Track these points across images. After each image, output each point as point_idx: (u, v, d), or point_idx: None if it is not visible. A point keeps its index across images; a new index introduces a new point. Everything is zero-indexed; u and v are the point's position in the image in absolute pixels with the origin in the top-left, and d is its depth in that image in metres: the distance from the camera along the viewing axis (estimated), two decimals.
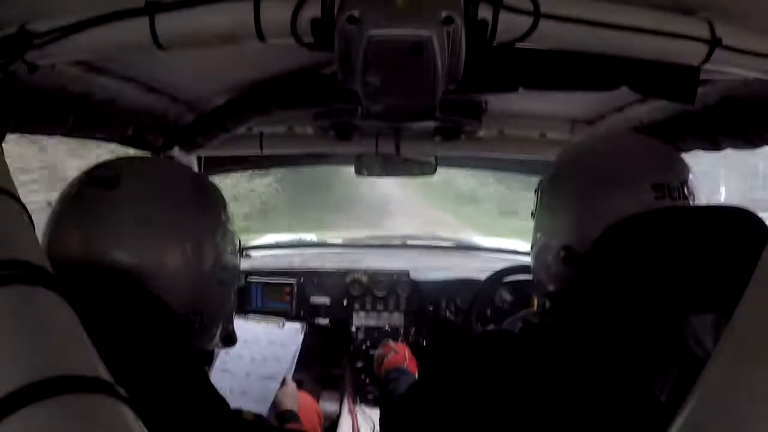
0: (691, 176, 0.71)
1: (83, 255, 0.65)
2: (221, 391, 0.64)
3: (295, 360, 1.42)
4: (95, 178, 0.70)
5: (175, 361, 0.60)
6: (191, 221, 0.72)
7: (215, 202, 0.78)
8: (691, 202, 0.70)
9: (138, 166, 0.75)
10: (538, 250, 0.84)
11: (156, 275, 0.66)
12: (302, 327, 1.52)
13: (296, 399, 1.28)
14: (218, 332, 0.81)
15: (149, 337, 0.60)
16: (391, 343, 1.37)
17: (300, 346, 1.45)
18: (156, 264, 0.67)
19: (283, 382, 1.31)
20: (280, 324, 1.53)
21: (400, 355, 1.31)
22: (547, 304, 0.91)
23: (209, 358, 0.75)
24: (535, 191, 0.87)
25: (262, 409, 1.22)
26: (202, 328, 0.74)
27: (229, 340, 0.85)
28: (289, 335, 1.49)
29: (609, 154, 0.76)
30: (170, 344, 0.62)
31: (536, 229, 0.85)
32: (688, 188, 0.70)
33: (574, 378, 0.62)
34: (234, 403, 0.65)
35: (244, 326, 1.49)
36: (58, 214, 0.69)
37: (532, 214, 0.88)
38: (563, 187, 0.78)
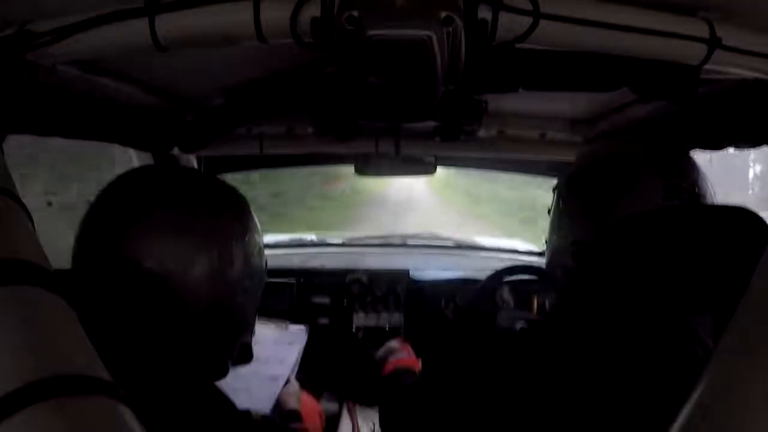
0: (701, 177, 0.74)
1: (112, 261, 0.65)
2: (225, 390, 0.64)
3: (299, 361, 1.42)
4: (123, 185, 0.72)
5: (183, 363, 0.60)
6: (223, 226, 0.72)
7: (245, 210, 0.78)
8: (698, 199, 0.72)
9: (163, 174, 0.76)
10: (552, 247, 0.87)
11: (181, 282, 0.67)
12: (306, 329, 1.52)
13: (300, 399, 1.28)
14: (237, 344, 0.80)
15: (159, 339, 0.60)
16: (393, 343, 1.37)
17: (304, 347, 1.44)
18: (182, 270, 0.67)
19: (287, 382, 1.31)
20: (285, 325, 1.53)
21: (405, 357, 1.30)
22: (548, 304, 0.91)
23: (225, 370, 0.74)
24: (553, 189, 0.90)
25: (266, 408, 1.22)
26: (222, 336, 0.73)
27: (245, 356, 0.84)
28: (294, 336, 1.49)
29: (624, 156, 0.79)
30: (179, 346, 0.61)
31: (551, 227, 0.88)
32: (698, 189, 0.73)
33: (578, 374, 0.62)
34: (237, 401, 0.65)
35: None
36: (88, 221, 0.70)
37: (548, 211, 0.91)
38: (579, 187, 0.81)
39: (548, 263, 0.91)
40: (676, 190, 0.71)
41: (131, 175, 0.74)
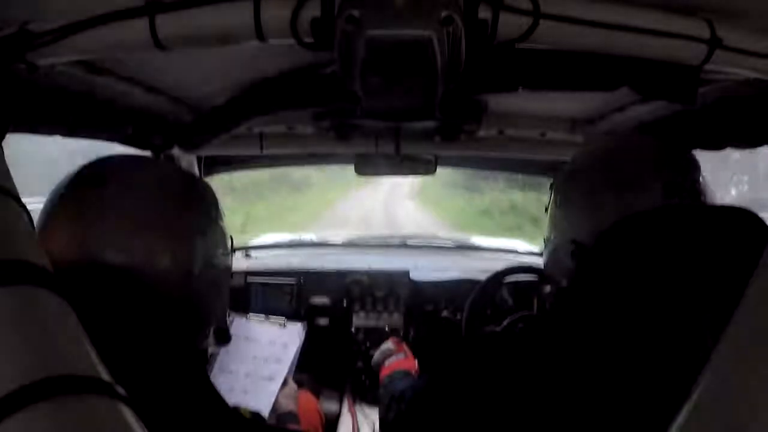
0: (701, 176, 0.74)
1: (74, 254, 0.65)
2: (222, 391, 0.63)
3: (296, 360, 1.42)
4: (83, 177, 0.70)
5: (172, 360, 0.60)
6: (180, 219, 0.71)
7: (206, 201, 0.77)
8: (701, 202, 0.72)
9: (125, 164, 0.75)
10: (551, 246, 0.87)
11: (145, 274, 0.66)
12: (303, 327, 1.52)
13: (297, 400, 1.28)
14: (211, 331, 0.80)
15: (146, 337, 0.60)
16: (391, 344, 1.37)
17: (300, 347, 1.45)
18: (145, 262, 0.67)
19: (284, 383, 1.31)
20: (281, 323, 1.53)
21: (401, 359, 1.30)
22: (547, 303, 0.91)
23: (204, 357, 0.74)
24: (550, 187, 0.90)
25: (263, 409, 1.22)
26: (193, 327, 0.73)
27: (223, 337, 0.84)
28: (290, 335, 1.49)
29: (623, 154, 0.79)
30: (167, 343, 0.61)
31: (549, 225, 0.88)
32: (698, 188, 0.73)
33: (577, 374, 0.62)
34: (234, 402, 0.65)
35: (245, 326, 1.50)
36: (48, 214, 0.68)
37: (546, 210, 0.91)
38: (578, 185, 0.81)
39: (547, 262, 0.91)
40: (676, 188, 0.72)
41: (94, 165, 0.72)
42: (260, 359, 1.40)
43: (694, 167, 0.75)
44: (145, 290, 0.65)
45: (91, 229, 0.66)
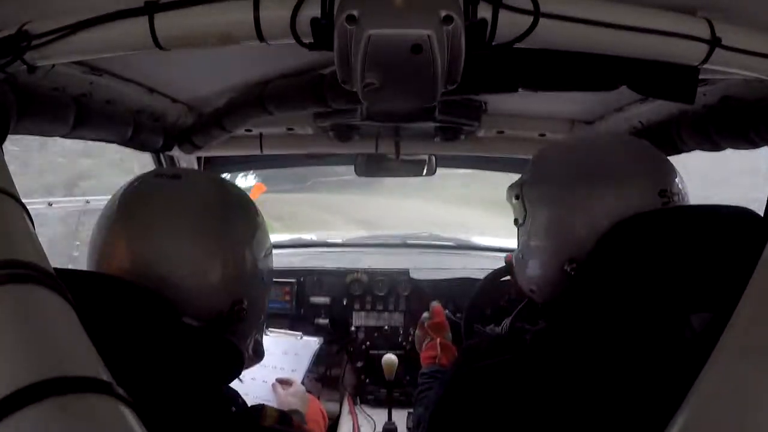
0: (680, 178, 0.74)
1: (128, 265, 0.66)
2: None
3: (309, 369, 1.47)
4: (160, 174, 0.73)
5: (180, 362, 0.60)
6: (238, 219, 0.74)
7: (251, 205, 0.78)
8: (682, 201, 0.72)
9: (196, 171, 0.78)
10: (531, 261, 0.81)
11: (200, 271, 0.67)
12: (318, 341, 1.57)
13: (306, 400, 1.28)
14: (252, 338, 0.80)
15: (159, 341, 0.60)
16: (426, 315, 1.30)
17: (314, 357, 1.50)
18: (202, 259, 0.68)
19: (290, 384, 1.32)
20: (299, 337, 1.59)
21: (429, 347, 1.26)
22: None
23: (241, 360, 0.74)
24: (516, 197, 0.84)
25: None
26: (244, 322, 0.73)
27: (258, 352, 0.84)
28: (304, 347, 1.54)
29: (612, 160, 0.75)
30: (178, 346, 0.61)
31: (527, 239, 0.82)
32: (683, 190, 0.73)
33: (581, 382, 0.62)
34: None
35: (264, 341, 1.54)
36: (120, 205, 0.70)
37: (515, 221, 0.85)
38: (554, 193, 0.76)
39: (522, 275, 0.84)
40: (669, 196, 0.71)
41: (143, 180, 0.74)
42: (276, 369, 1.44)
43: (673, 170, 0.75)
44: (195, 283, 0.66)
45: (146, 242, 0.67)
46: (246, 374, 1.34)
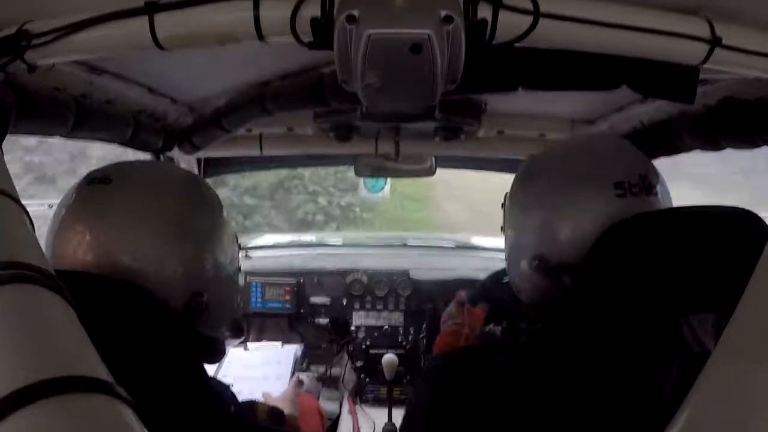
0: (649, 171, 0.73)
1: (84, 257, 0.66)
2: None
3: (292, 373, 1.53)
4: (91, 179, 0.72)
5: (172, 361, 0.60)
6: (185, 211, 0.73)
7: (209, 198, 0.79)
8: (652, 195, 0.72)
9: (129, 166, 0.77)
10: (511, 264, 0.85)
11: (153, 266, 0.67)
12: (300, 348, 1.63)
13: (295, 403, 1.27)
14: (225, 321, 0.81)
15: (147, 338, 0.60)
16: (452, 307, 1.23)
17: (297, 362, 1.56)
18: (153, 255, 0.68)
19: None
20: (279, 345, 1.64)
21: (448, 330, 1.20)
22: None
23: (221, 349, 0.74)
24: (502, 206, 0.88)
25: None
26: (208, 315, 0.74)
27: (237, 330, 0.85)
28: (285, 354, 1.59)
29: (564, 164, 0.77)
30: (168, 344, 0.61)
31: (506, 243, 0.86)
32: (647, 183, 0.71)
33: (579, 383, 0.62)
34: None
35: (242, 356, 1.60)
36: (59, 216, 0.70)
37: (501, 228, 0.89)
38: (527, 202, 0.79)
39: (512, 277, 0.86)
40: (627, 186, 0.70)
41: (103, 172, 0.73)
42: (260, 379, 1.47)
43: (641, 160, 0.75)
44: (152, 282, 0.66)
45: (99, 223, 0.67)
46: (242, 391, 1.37)
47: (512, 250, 0.83)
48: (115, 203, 0.68)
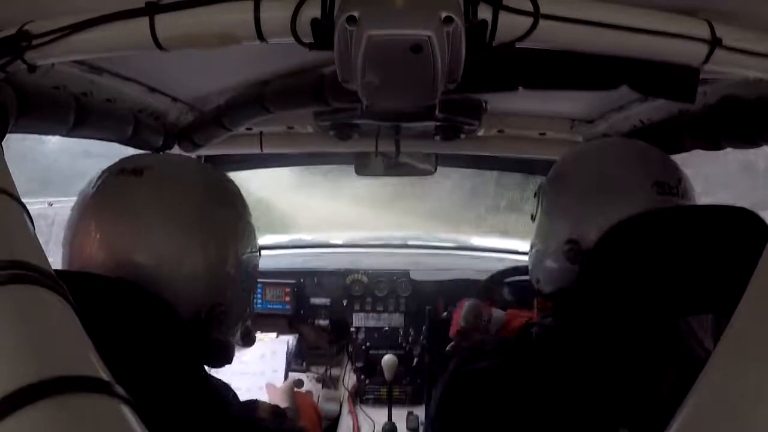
0: (684, 176, 0.78)
1: (104, 252, 0.64)
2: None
3: (288, 363, 1.52)
4: (121, 169, 0.69)
5: (174, 362, 0.60)
6: (214, 212, 0.71)
7: (237, 197, 0.77)
8: (687, 199, 0.75)
9: (164, 160, 0.75)
10: (539, 251, 0.87)
11: (177, 269, 0.65)
12: (294, 338, 1.63)
13: (292, 397, 1.28)
14: (239, 327, 0.80)
15: (151, 342, 0.60)
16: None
17: (292, 352, 1.55)
18: (178, 255, 0.66)
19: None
20: (274, 336, 1.63)
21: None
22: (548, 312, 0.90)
23: (230, 355, 0.73)
24: (535, 195, 0.91)
25: None
26: (224, 322, 0.72)
27: (248, 338, 0.84)
28: (279, 344, 1.58)
29: (612, 156, 0.81)
30: (171, 347, 0.61)
31: (538, 230, 0.88)
32: (682, 186, 0.76)
33: (581, 377, 0.62)
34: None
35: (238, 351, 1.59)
36: (83, 205, 0.67)
37: (532, 217, 0.91)
38: (568, 189, 0.82)
39: (536, 268, 0.89)
40: (666, 186, 0.74)
41: (120, 167, 0.70)
42: (257, 374, 1.47)
43: (677, 167, 0.79)
44: (173, 286, 0.64)
45: (126, 218, 0.65)
46: (239, 387, 1.37)
47: (544, 234, 0.86)
48: (144, 198, 0.66)
